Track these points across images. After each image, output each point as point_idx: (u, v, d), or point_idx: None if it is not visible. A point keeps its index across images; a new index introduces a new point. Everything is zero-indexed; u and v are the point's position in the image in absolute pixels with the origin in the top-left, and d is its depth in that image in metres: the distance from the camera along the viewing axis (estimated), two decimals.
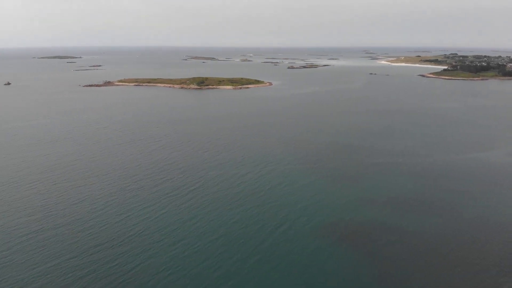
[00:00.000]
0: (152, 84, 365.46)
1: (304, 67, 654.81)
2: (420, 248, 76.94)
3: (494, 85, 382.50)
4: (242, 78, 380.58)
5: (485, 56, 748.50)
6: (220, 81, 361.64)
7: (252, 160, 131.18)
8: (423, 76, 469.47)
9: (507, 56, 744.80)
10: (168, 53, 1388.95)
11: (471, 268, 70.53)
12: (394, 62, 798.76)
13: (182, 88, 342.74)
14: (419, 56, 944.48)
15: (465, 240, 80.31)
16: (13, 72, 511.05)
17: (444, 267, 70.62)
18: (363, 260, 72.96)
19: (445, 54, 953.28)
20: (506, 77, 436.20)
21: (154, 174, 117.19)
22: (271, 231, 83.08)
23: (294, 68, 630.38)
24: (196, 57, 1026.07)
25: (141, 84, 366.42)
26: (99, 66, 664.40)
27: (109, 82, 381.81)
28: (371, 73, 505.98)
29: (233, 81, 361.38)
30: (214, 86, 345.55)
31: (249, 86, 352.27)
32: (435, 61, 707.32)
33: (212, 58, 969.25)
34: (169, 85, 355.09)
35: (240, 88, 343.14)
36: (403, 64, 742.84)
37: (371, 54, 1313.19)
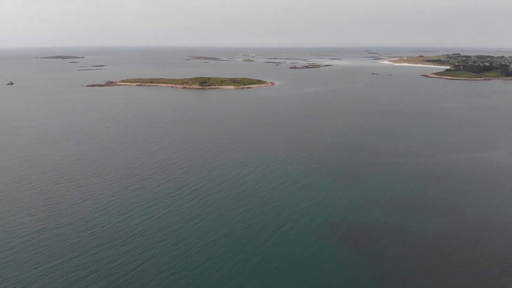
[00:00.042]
0: (154, 84, 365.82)
1: (306, 67, 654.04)
2: (422, 248, 76.72)
3: (497, 85, 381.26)
4: (244, 78, 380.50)
5: (488, 56, 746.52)
6: (222, 81, 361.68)
7: (254, 160, 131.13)
8: (425, 76, 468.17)
9: (510, 56, 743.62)
10: (169, 53, 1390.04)
11: (474, 268, 70.28)
12: (396, 62, 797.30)
13: (184, 88, 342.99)
14: (422, 56, 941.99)
15: (468, 240, 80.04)
16: (15, 72, 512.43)
17: (446, 267, 70.38)
18: (366, 260, 72.79)
19: (448, 54, 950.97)
20: (509, 77, 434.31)
21: (157, 174, 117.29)
22: (273, 231, 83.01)
23: (297, 68, 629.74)
24: (198, 57, 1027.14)
25: (143, 84, 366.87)
26: (102, 66, 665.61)
27: (111, 82, 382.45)
28: (374, 73, 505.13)
29: (235, 81, 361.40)
30: (216, 86, 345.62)
31: (251, 86, 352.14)
32: (438, 61, 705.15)
33: (214, 58, 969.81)
34: (171, 85, 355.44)
35: (242, 88, 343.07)
36: (406, 64, 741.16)
37: (374, 54, 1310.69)
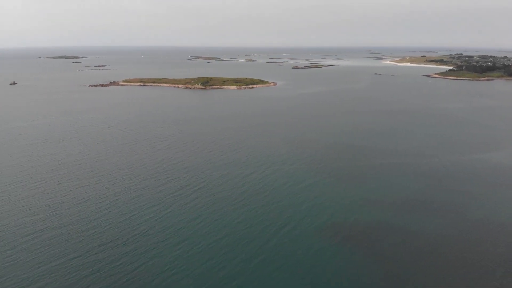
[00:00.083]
0: (157, 84, 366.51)
1: (308, 67, 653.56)
2: (424, 249, 76.52)
3: (500, 85, 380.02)
4: (246, 78, 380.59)
5: (491, 57, 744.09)
6: (224, 81, 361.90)
7: (256, 160, 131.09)
8: (428, 76, 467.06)
9: None
10: (170, 53, 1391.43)
11: (476, 269, 70.03)
12: (399, 62, 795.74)
13: (186, 88, 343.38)
14: (424, 56, 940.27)
15: (470, 241, 79.77)
16: (18, 72, 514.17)
17: (449, 268, 70.17)
18: (368, 260, 72.65)
19: (451, 54, 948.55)
20: None
21: (159, 174, 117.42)
22: (276, 231, 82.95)
23: (299, 68, 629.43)
24: (201, 57, 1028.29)
25: (146, 84, 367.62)
26: (104, 66, 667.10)
27: (114, 82, 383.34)
28: (376, 73, 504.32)
29: (237, 81, 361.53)
30: (218, 86, 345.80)
31: (253, 86, 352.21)
32: (441, 61, 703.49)
33: (217, 58, 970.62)
34: (173, 85, 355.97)
35: (245, 88, 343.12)
36: (408, 64, 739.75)
37: (376, 54, 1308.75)
